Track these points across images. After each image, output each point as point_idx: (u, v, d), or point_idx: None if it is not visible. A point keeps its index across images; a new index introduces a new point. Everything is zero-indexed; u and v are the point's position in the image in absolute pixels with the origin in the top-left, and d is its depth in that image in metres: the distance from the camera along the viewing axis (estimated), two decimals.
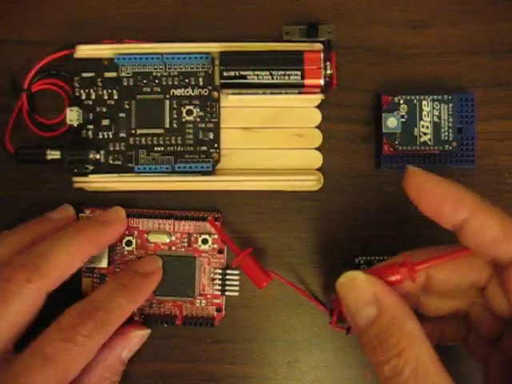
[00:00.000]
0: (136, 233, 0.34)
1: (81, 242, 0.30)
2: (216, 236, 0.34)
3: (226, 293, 0.34)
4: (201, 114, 0.35)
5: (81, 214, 0.34)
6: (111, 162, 0.35)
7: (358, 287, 0.25)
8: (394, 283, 0.25)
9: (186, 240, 0.34)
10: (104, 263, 0.34)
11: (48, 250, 0.29)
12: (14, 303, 0.27)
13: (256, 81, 0.33)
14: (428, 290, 0.28)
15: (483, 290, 0.27)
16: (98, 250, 0.32)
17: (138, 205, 0.35)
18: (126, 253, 0.34)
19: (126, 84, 0.35)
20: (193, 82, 0.35)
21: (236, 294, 0.34)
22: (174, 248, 0.34)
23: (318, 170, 0.35)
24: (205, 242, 0.34)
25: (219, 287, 0.34)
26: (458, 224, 0.25)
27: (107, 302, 0.30)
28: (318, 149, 0.35)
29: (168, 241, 0.34)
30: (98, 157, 0.34)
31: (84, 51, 0.35)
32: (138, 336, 0.33)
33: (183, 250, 0.34)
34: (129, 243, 0.34)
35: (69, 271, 0.30)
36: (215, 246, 0.34)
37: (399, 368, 0.23)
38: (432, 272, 0.27)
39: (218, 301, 0.34)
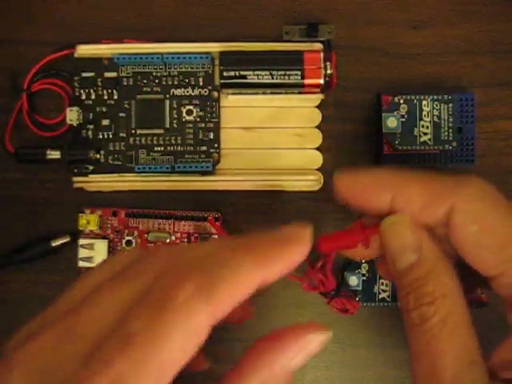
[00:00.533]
0: (136, 233, 0.34)
1: (254, 265, 0.21)
2: (216, 236, 0.34)
3: None
4: (201, 114, 0.35)
5: (80, 214, 0.34)
6: (111, 161, 0.35)
7: (404, 230, 0.24)
8: (349, 246, 0.25)
9: (185, 240, 0.34)
10: None
11: (216, 268, 0.21)
12: (178, 325, 0.19)
13: (256, 81, 0.33)
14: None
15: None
16: (274, 277, 0.22)
17: (138, 205, 0.35)
18: (126, 253, 0.34)
19: (125, 84, 0.35)
20: (193, 82, 0.35)
21: None
22: None
23: (317, 170, 0.35)
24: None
25: None
26: (387, 207, 0.24)
27: (222, 259, 0.21)
28: (318, 149, 0.35)
29: (168, 241, 0.34)
30: (98, 157, 0.34)
31: (84, 51, 0.35)
32: (317, 341, 0.24)
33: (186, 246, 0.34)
34: (129, 243, 0.34)
35: (240, 300, 0.21)
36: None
37: (428, 315, 0.23)
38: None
39: None
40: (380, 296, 0.34)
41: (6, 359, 0.19)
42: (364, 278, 0.34)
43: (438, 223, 0.24)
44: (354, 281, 0.34)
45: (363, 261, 0.34)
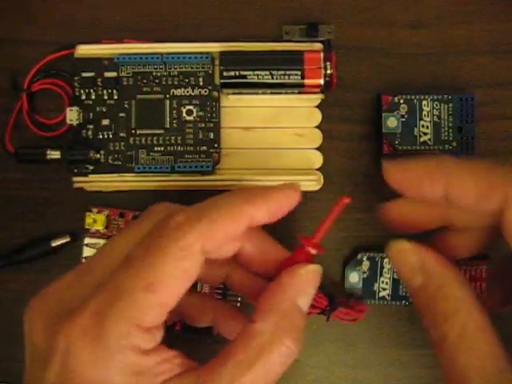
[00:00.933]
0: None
1: (244, 201, 0.24)
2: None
3: (227, 297, 0.34)
4: (201, 113, 0.35)
5: (87, 213, 0.34)
6: (111, 161, 0.35)
7: (406, 257, 0.25)
8: (303, 260, 0.25)
9: None
10: None
11: (207, 205, 0.24)
12: (169, 252, 0.22)
13: (256, 81, 0.33)
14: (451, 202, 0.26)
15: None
16: (265, 216, 0.25)
17: (138, 205, 0.35)
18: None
19: (125, 84, 0.35)
20: (193, 82, 0.35)
21: (237, 298, 0.34)
22: None
23: (318, 170, 0.35)
24: None
25: (220, 291, 0.34)
26: (441, 197, 0.25)
27: (213, 199, 0.24)
28: (318, 149, 0.35)
29: None
30: (98, 157, 0.34)
31: (84, 51, 0.35)
32: (309, 273, 0.25)
33: None
34: None
35: (231, 232, 0.24)
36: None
37: (445, 333, 0.23)
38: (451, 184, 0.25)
39: None
40: (380, 294, 0.34)
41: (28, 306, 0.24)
42: (364, 275, 0.34)
43: (492, 213, 0.24)
44: (354, 277, 0.34)
45: (365, 258, 0.34)
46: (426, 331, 0.24)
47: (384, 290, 0.34)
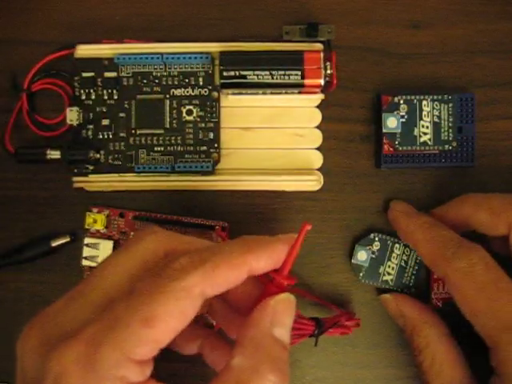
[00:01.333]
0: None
1: (246, 250, 0.25)
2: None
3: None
4: (201, 113, 0.35)
5: (88, 213, 0.34)
6: (111, 161, 0.35)
7: (388, 305, 0.34)
8: (280, 291, 0.26)
9: None
10: None
11: (211, 251, 0.25)
12: (171, 291, 0.22)
13: (256, 81, 0.33)
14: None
15: None
16: (265, 266, 0.25)
17: (138, 205, 0.35)
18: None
19: (125, 84, 0.35)
20: (193, 82, 0.35)
21: None
22: None
23: (318, 170, 0.35)
24: None
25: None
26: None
27: (217, 245, 0.26)
28: (318, 149, 0.35)
29: None
30: (98, 157, 0.34)
31: (84, 51, 0.35)
32: (281, 303, 0.25)
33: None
34: None
35: (231, 279, 0.24)
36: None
37: (420, 362, 0.31)
38: None
39: None
40: (383, 278, 0.34)
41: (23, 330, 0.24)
42: (373, 255, 0.34)
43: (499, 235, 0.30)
44: (362, 255, 0.34)
45: (377, 238, 0.34)
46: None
47: (389, 274, 0.34)
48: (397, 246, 0.34)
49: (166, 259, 0.24)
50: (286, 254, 0.26)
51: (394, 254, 0.34)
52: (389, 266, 0.34)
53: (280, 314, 0.25)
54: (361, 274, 0.34)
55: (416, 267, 0.34)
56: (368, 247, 0.34)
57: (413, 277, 0.34)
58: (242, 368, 0.23)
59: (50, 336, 0.23)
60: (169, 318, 0.22)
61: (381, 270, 0.34)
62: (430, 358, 0.30)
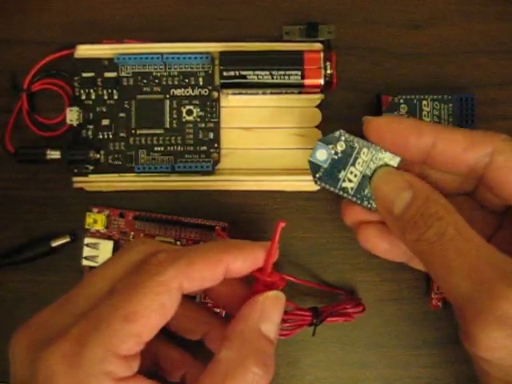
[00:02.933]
0: (142, 236, 0.34)
1: (221, 249, 0.26)
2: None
3: None
4: (201, 113, 0.35)
5: (88, 213, 0.34)
6: (111, 161, 0.35)
7: (393, 177, 0.28)
8: (264, 290, 0.26)
9: None
10: None
11: (188, 249, 0.26)
12: (149, 286, 0.23)
13: (256, 81, 0.33)
14: (432, 162, 0.28)
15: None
16: (241, 267, 0.26)
17: (138, 205, 0.35)
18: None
19: (125, 84, 0.35)
20: (193, 82, 0.35)
21: None
22: None
23: None
24: None
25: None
26: (425, 150, 0.27)
27: (195, 245, 0.27)
28: None
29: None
30: (98, 157, 0.34)
31: (84, 51, 0.35)
32: (269, 300, 0.26)
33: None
34: None
35: (207, 275, 0.25)
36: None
37: (443, 229, 0.25)
38: (436, 142, 0.27)
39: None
40: (343, 184, 0.29)
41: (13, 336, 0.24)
42: (336, 156, 0.29)
43: (478, 165, 0.26)
44: (322, 154, 0.29)
45: (343, 138, 0.29)
46: (413, 246, 0.26)
47: (350, 181, 0.29)
48: (365, 150, 0.29)
49: (145, 258, 0.25)
50: (266, 253, 0.27)
51: (359, 160, 0.29)
52: (351, 173, 0.29)
53: (268, 310, 0.26)
54: (317, 175, 0.29)
55: None
56: (331, 146, 0.29)
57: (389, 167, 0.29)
58: (228, 360, 0.24)
59: (37, 340, 0.23)
60: (149, 313, 0.23)
61: (341, 175, 0.29)
62: (455, 222, 0.25)
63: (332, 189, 0.29)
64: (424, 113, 0.34)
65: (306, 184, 0.35)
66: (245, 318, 0.25)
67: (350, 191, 0.29)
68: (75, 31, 0.36)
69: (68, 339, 0.22)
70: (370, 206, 0.29)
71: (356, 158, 0.29)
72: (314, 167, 0.29)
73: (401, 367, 0.35)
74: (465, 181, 0.29)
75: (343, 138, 0.29)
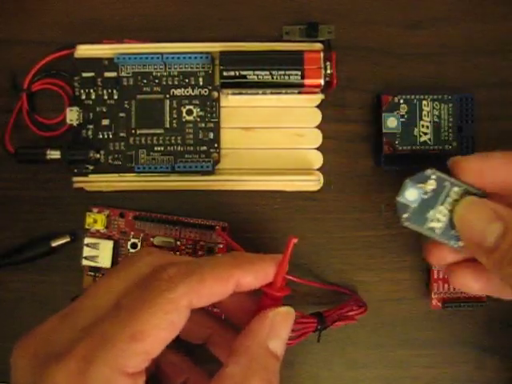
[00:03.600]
0: (142, 235, 0.34)
1: (233, 265, 0.25)
2: (221, 246, 0.34)
3: None
4: (201, 113, 0.35)
5: (88, 213, 0.34)
6: (111, 161, 0.35)
7: (478, 207, 0.26)
8: (275, 302, 0.26)
9: (190, 247, 0.34)
10: (107, 263, 0.34)
11: (198, 263, 0.25)
12: (159, 303, 0.23)
13: (256, 81, 0.33)
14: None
15: None
16: (252, 281, 0.26)
17: (138, 205, 0.35)
18: (129, 255, 0.34)
19: (125, 84, 0.35)
20: (193, 82, 0.35)
21: None
22: (178, 253, 0.34)
23: (318, 170, 0.35)
24: (210, 250, 0.34)
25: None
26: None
27: (204, 259, 0.26)
28: (318, 149, 0.35)
29: (173, 246, 0.34)
30: (98, 157, 0.34)
31: (84, 51, 0.35)
32: (279, 316, 0.26)
33: (187, 256, 0.34)
34: (134, 245, 0.34)
35: (218, 291, 0.25)
36: (219, 255, 0.34)
37: None
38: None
39: None
40: (431, 224, 0.28)
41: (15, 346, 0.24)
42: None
43: None
44: (412, 194, 0.28)
45: (434, 176, 0.28)
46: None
47: (438, 221, 0.28)
48: (455, 189, 0.28)
49: (153, 272, 0.24)
50: (277, 268, 0.26)
51: (449, 199, 0.28)
52: (440, 212, 0.28)
53: (277, 327, 0.25)
54: (405, 216, 0.28)
55: None
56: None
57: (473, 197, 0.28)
58: (234, 376, 0.23)
59: (40, 355, 0.23)
60: (157, 331, 0.22)
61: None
62: None
63: (419, 229, 0.28)
64: (424, 113, 0.34)
65: (306, 184, 0.35)
66: (253, 334, 0.25)
67: (437, 231, 0.28)
68: (75, 31, 0.36)
69: (74, 356, 0.22)
70: (456, 245, 0.28)
71: (446, 197, 0.28)
72: (402, 207, 0.28)
73: (401, 367, 0.35)
74: None
75: (434, 177, 0.28)
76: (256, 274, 0.26)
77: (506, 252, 0.25)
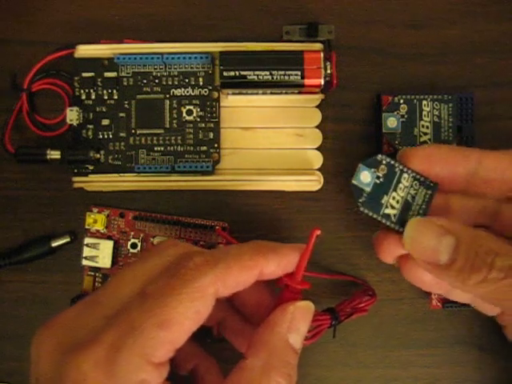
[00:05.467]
0: (142, 235, 0.34)
1: (257, 253, 0.26)
2: (221, 246, 0.34)
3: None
4: (201, 113, 0.35)
5: (88, 213, 0.34)
6: (111, 161, 0.35)
7: (426, 226, 0.26)
8: (292, 298, 0.26)
9: None
10: (107, 263, 0.34)
11: (223, 252, 0.25)
12: (186, 292, 0.23)
13: (256, 81, 0.33)
14: (474, 185, 0.28)
15: None
16: (275, 270, 0.26)
17: (138, 205, 0.35)
18: (130, 255, 0.34)
19: (126, 84, 0.35)
20: (193, 82, 0.35)
21: None
22: None
23: (317, 170, 0.35)
24: None
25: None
26: (470, 173, 0.27)
27: (229, 247, 0.26)
28: (317, 149, 0.35)
29: None
30: (98, 157, 0.34)
31: (84, 51, 0.35)
32: (300, 310, 0.26)
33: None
34: (134, 245, 0.34)
35: (242, 280, 0.25)
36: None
37: (507, 264, 0.24)
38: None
39: None
40: (385, 211, 0.29)
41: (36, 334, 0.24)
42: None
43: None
44: (366, 177, 0.28)
45: (384, 162, 0.28)
46: (475, 289, 0.25)
47: (393, 208, 0.28)
48: (405, 176, 0.28)
49: (179, 260, 0.24)
50: (299, 259, 0.26)
51: (401, 185, 0.28)
52: (393, 198, 0.28)
53: (298, 321, 0.25)
54: (360, 200, 0.28)
55: (423, 206, 0.28)
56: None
57: (418, 217, 0.28)
58: (253, 369, 0.24)
59: (64, 342, 0.23)
60: (184, 320, 0.22)
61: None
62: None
63: (375, 215, 0.28)
64: (424, 113, 0.34)
65: (306, 184, 0.35)
66: (273, 327, 0.25)
67: (392, 218, 0.28)
68: (75, 31, 0.36)
69: (101, 344, 0.22)
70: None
71: (398, 183, 0.28)
72: (358, 191, 0.28)
73: (401, 367, 0.35)
74: (492, 208, 0.29)
75: (384, 162, 0.28)
76: (279, 262, 0.26)
77: (463, 264, 0.25)
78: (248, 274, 0.25)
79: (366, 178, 0.28)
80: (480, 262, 0.24)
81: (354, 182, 0.28)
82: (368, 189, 0.28)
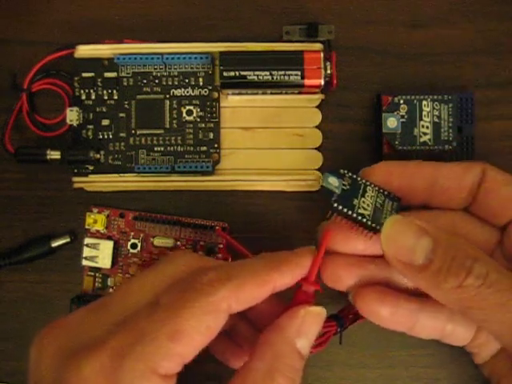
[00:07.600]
0: (142, 236, 0.34)
1: (271, 268, 0.25)
2: (221, 246, 0.34)
3: None
4: (201, 114, 0.35)
5: (88, 213, 0.34)
6: (111, 161, 0.35)
7: (405, 225, 0.25)
8: (308, 298, 0.26)
9: (190, 247, 0.34)
10: (107, 263, 0.34)
11: (235, 268, 0.25)
12: (199, 306, 0.23)
13: (256, 81, 0.33)
14: (434, 196, 0.29)
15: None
16: (289, 282, 0.26)
17: (138, 205, 0.35)
18: (130, 255, 0.34)
19: (126, 84, 0.35)
20: (193, 82, 0.35)
21: None
22: None
23: (317, 170, 0.35)
24: (210, 250, 0.34)
25: None
26: (429, 182, 0.28)
27: (242, 262, 0.26)
28: (317, 149, 0.35)
29: (173, 246, 0.34)
30: (98, 157, 0.34)
31: (84, 51, 0.35)
32: (311, 315, 0.25)
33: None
34: (134, 246, 0.34)
35: (256, 295, 0.25)
36: (219, 255, 0.34)
37: (485, 271, 0.23)
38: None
39: None
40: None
41: (38, 335, 0.23)
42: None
43: (473, 185, 0.28)
44: (334, 181, 0.28)
45: (347, 176, 0.28)
46: (449, 295, 0.24)
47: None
48: (369, 188, 0.28)
49: (193, 274, 0.24)
50: (312, 263, 0.26)
51: (367, 194, 0.28)
52: (363, 202, 0.28)
53: (307, 326, 0.25)
54: (333, 198, 0.28)
55: (393, 212, 0.28)
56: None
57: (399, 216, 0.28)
58: (258, 371, 0.23)
59: (66, 346, 0.22)
60: (195, 333, 0.22)
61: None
62: (492, 262, 0.24)
63: (350, 212, 0.28)
64: (424, 113, 0.34)
65: (306, 184, 0.35)
66: (281, 330, 0.25)
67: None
68: (75, 31, 0.36)
69: (106, 350, 0.21)
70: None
71: (364, 192, 0.28)
72: (329, 192, 0.28)
73: (401, 367, 0.35)
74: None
75: (348, 176, 0.28)
76: (293, 273, 0.26)
77: (439, 267, 0.24)
78: (263, 289, 0.24)
79: (334, 182, 0.28)
80: (458, 265, 0.23)
81: (323, 184, 0.28)
82: (338, 191, 0.28)
